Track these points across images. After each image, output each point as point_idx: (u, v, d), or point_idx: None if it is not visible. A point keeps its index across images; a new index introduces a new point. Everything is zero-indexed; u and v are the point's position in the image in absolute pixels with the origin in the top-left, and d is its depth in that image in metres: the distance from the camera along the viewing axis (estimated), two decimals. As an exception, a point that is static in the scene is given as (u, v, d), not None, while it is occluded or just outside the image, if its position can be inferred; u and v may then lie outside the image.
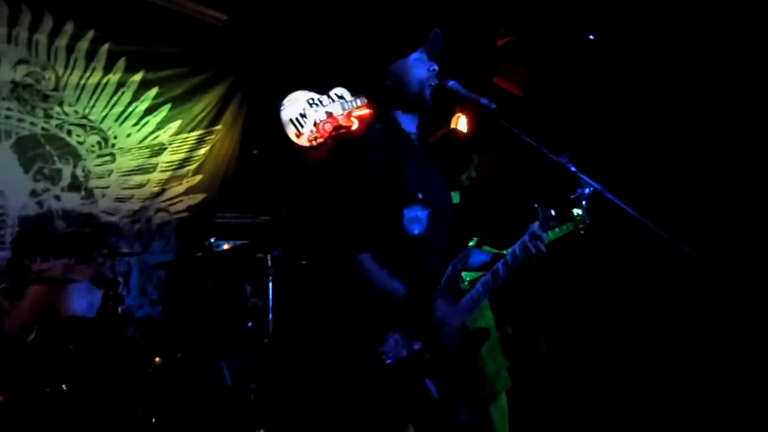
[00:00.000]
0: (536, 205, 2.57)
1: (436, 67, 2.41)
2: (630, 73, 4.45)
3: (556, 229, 3.64)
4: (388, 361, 2.13)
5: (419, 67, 2.41)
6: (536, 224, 2.52)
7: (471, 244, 3.61)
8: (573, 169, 2.30)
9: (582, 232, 3.61)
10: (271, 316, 4.09)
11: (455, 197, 3.82)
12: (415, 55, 2.45)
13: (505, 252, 2.54)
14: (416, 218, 2.31)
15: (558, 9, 4.77)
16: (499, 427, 3.61)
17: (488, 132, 4.12)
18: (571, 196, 2.36)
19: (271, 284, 4.15)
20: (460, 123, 4.66)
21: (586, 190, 2.34)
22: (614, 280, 3.59)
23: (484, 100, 2.30)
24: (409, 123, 2.47)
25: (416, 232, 2.31)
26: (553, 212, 2.62)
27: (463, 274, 3.50)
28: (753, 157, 3.86)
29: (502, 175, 4.39)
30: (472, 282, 3.07)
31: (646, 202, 2.62)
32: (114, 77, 4.89)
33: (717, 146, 4.03)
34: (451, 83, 2.38)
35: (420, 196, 2.34)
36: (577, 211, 3.65)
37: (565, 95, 4.70)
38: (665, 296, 4.05)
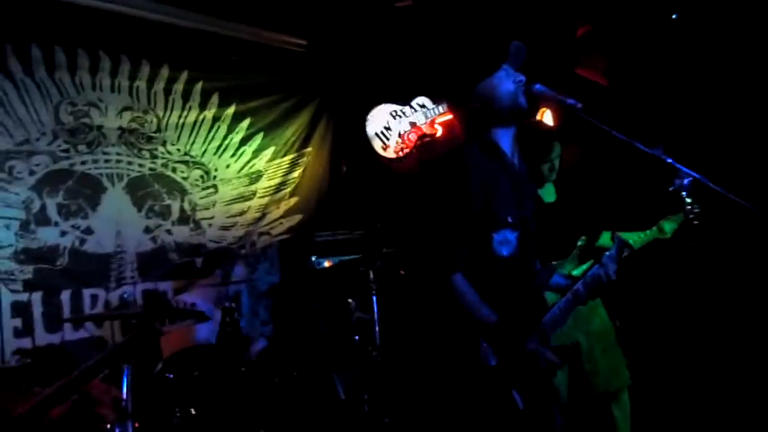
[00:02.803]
0: (616, 236, 2.60)
1: (522, 78, 2.43)
2: (716, 52, 4.30)
3: (641, 234, 3.70)
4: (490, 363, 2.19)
5: (506, 82, 2.45)
6: (609, 253, 2.56)
7: (579, 243, 3.62)
8: (669, 160, 2.28)
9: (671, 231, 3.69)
10: (377, 328, 4.21)
11: (550, 195, 3.81)
12: (500, 74, 2.49)
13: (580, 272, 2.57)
14: (506, 240, 2.37)
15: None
16: (621, 423, 3.59)
17: (575, 126, 4.09)
18: (670, 189, 2.34)
19: (374, 297, 4.27)
20: (546, 116, 4.64)
21: (685, 181, 2.31)
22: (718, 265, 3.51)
23: (570, 101, 2.31)
24: (504, 137, 2.51)
25: (505, 253, 2.37)
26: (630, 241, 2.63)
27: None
28: None
29: (591, 169, 4.33)
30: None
31: (745, 186, 2.56)
32: (209, 113, 5.16)
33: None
34: (537, 87, 2.41)
35: (510, 219, 2.39)
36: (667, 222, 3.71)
37: (651, 80, 4.58)
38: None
